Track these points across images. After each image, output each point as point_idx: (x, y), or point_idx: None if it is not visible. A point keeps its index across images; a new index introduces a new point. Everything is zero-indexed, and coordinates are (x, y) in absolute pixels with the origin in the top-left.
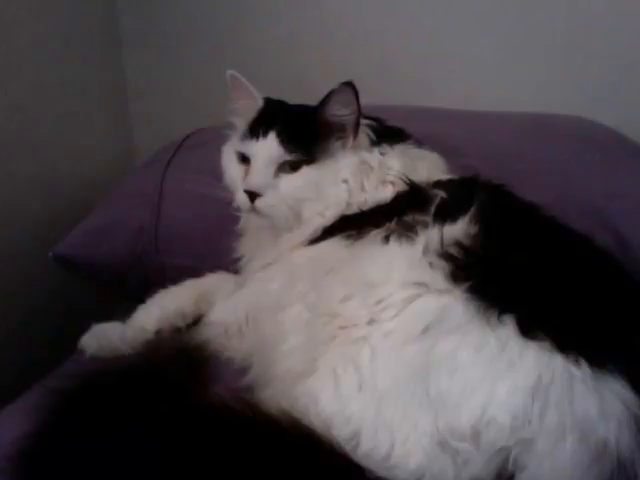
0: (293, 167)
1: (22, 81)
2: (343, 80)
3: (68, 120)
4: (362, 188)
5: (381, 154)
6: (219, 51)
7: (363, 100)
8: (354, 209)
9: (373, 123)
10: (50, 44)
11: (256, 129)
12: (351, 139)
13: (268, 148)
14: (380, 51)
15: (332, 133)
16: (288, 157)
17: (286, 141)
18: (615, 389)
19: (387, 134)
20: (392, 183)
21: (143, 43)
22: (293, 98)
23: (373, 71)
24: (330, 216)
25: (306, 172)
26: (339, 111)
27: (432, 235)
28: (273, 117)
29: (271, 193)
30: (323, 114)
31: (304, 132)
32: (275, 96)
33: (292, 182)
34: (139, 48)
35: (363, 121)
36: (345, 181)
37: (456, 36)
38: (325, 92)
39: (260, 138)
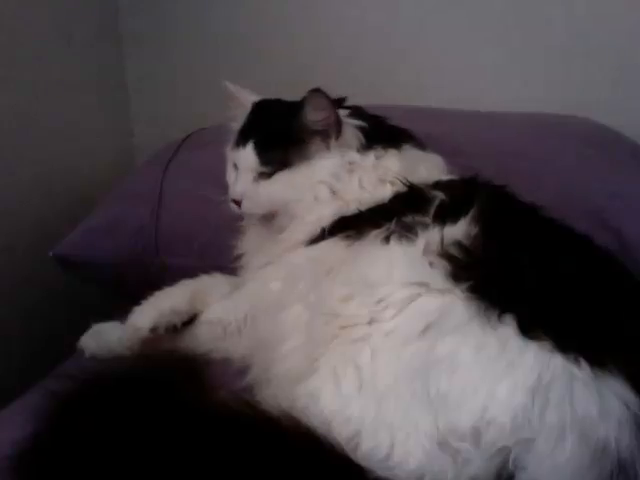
0: (270, 174)
1: (22, 81)
2: (344, 81)
3: (68, 120)
4: (357, 187)
5: (376, 157)
6: (219, 51)
7: (364, 101)
8: (352, 209)
9: (364, 124)
10: (50, 44)
11: (240, 138)
12: (332, 140)
13: (247, 158)
14: (380, 52)
15: (312, 138)
16: (262, 169)
17: (262, 152)
18: (615, 389)
19: (388, 134)
20: (391, 183)
21: (143, 43)
22: (293, 99)
23: (373, 71)
24: (327, 215)
25: (280, 177)
26: (315, 117)
27: (432, 235)
28: (253, 126)
29: (250, 199)
30: (300, 121)
31: (280, 140)
32: (274, 97)
33: (267, 188)
34: (139, 48)
35: (353, 122)
36: (322, 182)
37: (456, 37)
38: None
39: (241, 148)
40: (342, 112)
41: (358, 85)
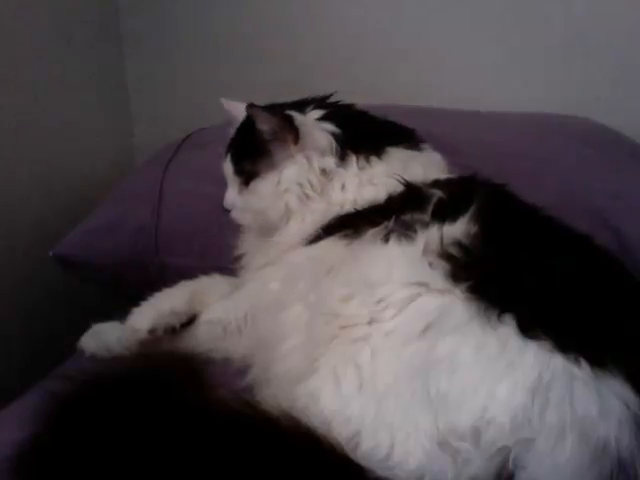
0: (246, 184)
1: (22, 81)
2: (344, 81)
3: (68, 120)
4: (340, 191)
5: (359, 168)
6: (219, 51)
7: (365, 100)
8: (348, 209)
9: (335, 129)
10: (50, 44)
11: (226, 149)
12: (292, 146)
13: (228, 169)
14: (381, 52)
15: (272, 147)
16: (238, 179)
17: (237, 163)
18: (615, 389)
19: (370, 138)
20: (383, 184)
21: (143, 43)
22: (293, 99)
23: (374, 71)
24: (312, 220)
25: (253, 187)
26: (263, 127)
27: (432, 234)
28: (233, 137)
29: (237, 210)
30: (257, 135)
31: (249, 151)
32: (274, 97)
33: (245, 198)
34: (139, 48)
35: (322, 125)
36: (287, 190)
37: (457, 37)
38: (325, 92)
39: (225, 159)
40: (314, 114)
41: (359, 85)
